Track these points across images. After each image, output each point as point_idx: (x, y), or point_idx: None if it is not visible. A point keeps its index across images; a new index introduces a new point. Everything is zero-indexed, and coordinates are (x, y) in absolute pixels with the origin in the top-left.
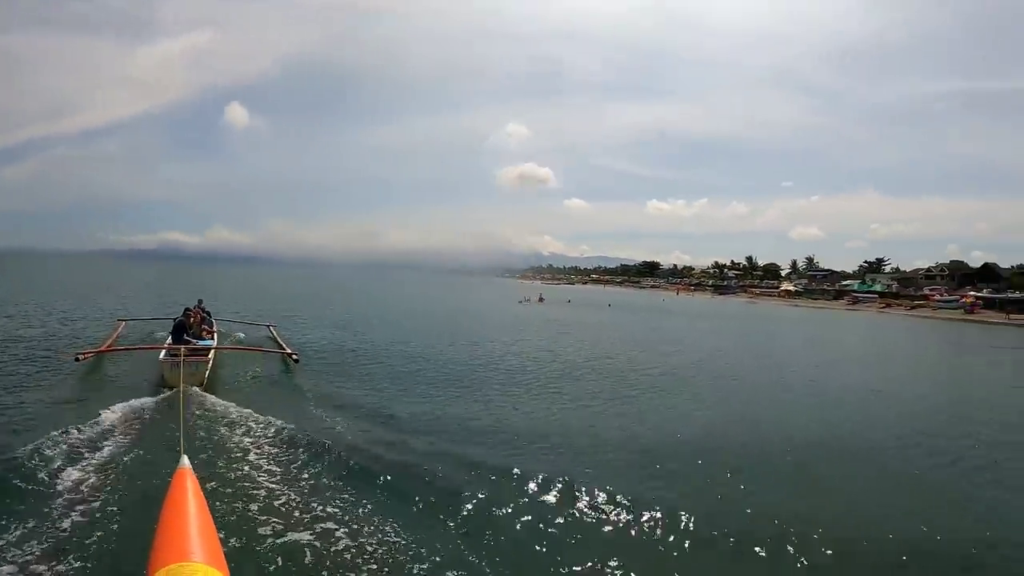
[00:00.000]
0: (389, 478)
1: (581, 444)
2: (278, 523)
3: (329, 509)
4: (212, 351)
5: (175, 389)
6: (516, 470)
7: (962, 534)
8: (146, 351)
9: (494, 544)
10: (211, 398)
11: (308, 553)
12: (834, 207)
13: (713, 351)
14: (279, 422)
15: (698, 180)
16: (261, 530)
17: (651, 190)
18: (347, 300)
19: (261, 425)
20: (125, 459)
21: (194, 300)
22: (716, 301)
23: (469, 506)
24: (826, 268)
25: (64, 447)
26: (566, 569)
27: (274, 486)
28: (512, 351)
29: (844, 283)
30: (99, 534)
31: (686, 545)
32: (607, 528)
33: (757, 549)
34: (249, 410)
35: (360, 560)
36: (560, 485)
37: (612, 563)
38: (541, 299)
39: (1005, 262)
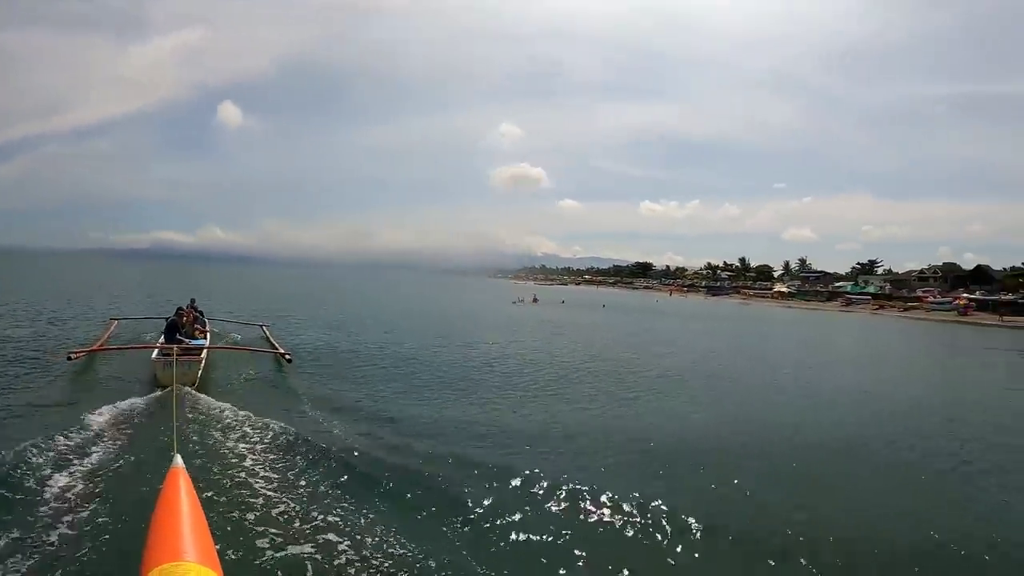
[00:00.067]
0: (387, 479)
1: (580, 446)
2: (270, 522)
3: (326, 511)
4: (205, 351)
5: (168, 388)
6: (517, 473)
7: (958, 534)
8: (139, 350)
9: (501, 553)
10: (204, 397)
11: (300, 550)
12: (826, 209)
13: (707, 352)
14: (272, 422)
15: (690, 181)
16: (253, 529)
17: (644, 191)
18: (341, 300)
19: (254, 425)
20: (117, 459)
21: (187, 299)
22: (709, 302)
23: (471, 514)
24: (818, 270)
25: (55, 446)
26: None
27: (267, 484)
28: (508, 352)
29: (837, 285)
30: (92, 534)
31: (686, 546)
32: (609, 529)
33: (757, 549)
34: (242, 411)
35: (357, 558)
36: (564, 489)
37: (615, 564)
38: (535, 300)
39: (997, 264)
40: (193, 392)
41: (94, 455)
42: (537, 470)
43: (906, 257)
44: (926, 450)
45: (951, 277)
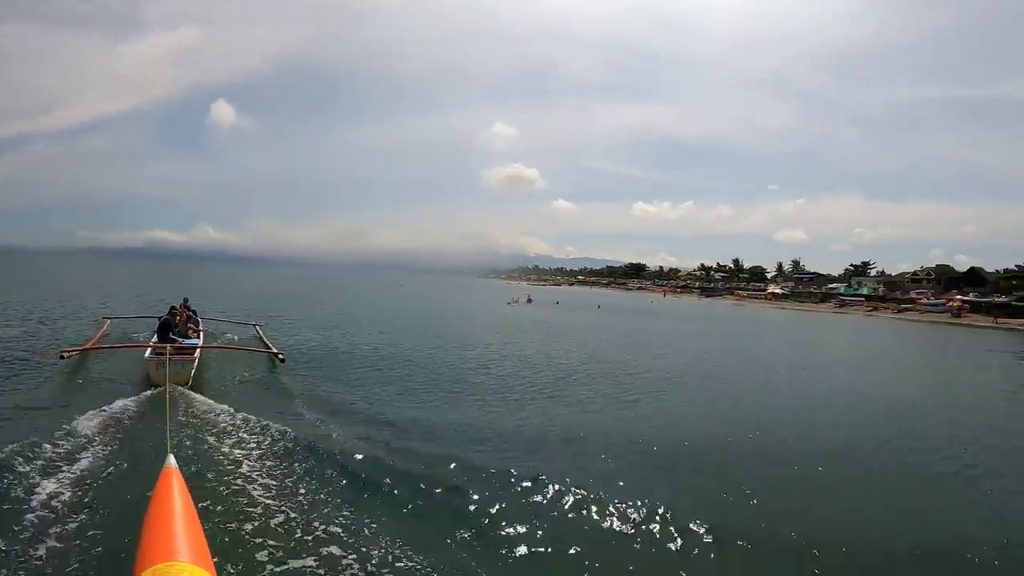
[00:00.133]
0: (387, 484)
1: (580, 449)
2: (264, 524)
3: (321, 516)
4: (198, 350)
5: (161, 388)
6: (518, 477)
7: (953, 534)
8: (131, 349)
9: (507, 562)
10: (197, 397)
11: (294, 548)
12: (819, 210)
13: (702, 354)
14: (265, 421)
15: (684, 182)
16: (246, 528)
17: (638, 192)
18: (335, 300)
19: (247, 425)
20: (110, 458)
21: (180, 299)
22: (703, 303)
23: (475, 521)
24: (812, 271)
25: (48, 446)
26: None
27: (259, 483)
28: (505, 354)
29: (830, 286)
30: (84, 534)
31: (687, 547)
32: (610, 532)
33: (756, 550)
34: (236, 411)
35: (357, 558)
36: (565, 493)
37: (616, 567)
38: (529, 300)
39: (990, 266)
40: (186, 391)
41: (87, 454)
42: (538, 474)
43: (899, 259)
44: (920, 451)
45: (944, 279)
